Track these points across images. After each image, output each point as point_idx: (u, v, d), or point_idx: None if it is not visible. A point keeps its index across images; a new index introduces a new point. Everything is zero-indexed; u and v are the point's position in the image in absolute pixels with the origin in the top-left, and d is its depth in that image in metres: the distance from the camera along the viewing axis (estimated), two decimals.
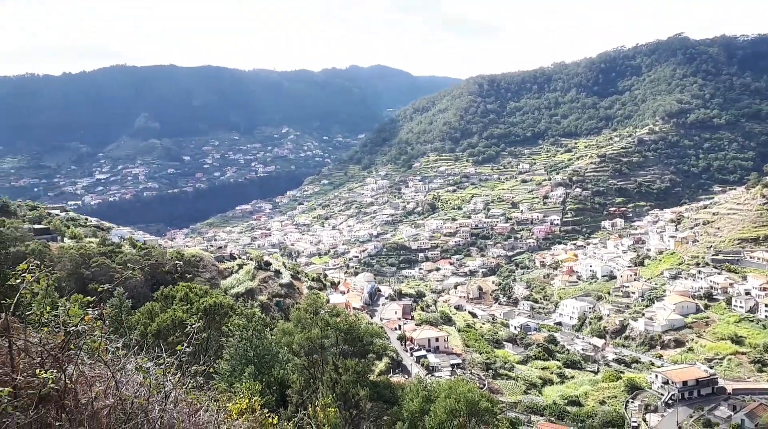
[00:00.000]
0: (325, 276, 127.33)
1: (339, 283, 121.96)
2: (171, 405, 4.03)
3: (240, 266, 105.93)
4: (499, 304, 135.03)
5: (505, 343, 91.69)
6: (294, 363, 19.45)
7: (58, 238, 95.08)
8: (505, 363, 77.79)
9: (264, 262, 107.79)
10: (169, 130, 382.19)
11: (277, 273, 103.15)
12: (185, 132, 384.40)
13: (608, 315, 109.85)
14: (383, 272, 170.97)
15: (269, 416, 7.32)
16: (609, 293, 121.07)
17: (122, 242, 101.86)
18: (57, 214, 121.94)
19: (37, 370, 3.16)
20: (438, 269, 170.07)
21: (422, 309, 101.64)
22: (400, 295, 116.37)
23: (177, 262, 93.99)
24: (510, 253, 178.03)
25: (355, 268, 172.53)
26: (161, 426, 3.76)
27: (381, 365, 58.18)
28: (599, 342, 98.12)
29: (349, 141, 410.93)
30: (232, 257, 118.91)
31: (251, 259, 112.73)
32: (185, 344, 5.03)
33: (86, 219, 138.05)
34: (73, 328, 3.45)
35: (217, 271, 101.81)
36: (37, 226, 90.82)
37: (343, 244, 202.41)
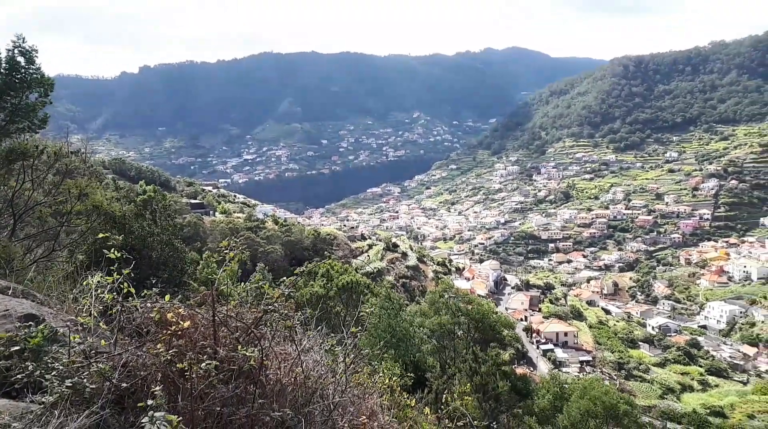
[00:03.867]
0: (450, 261, 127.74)
1: (464, 268, 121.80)
2: (343, 387, 4.08)
3: (370, 246, 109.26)
4: (636, 302, 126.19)
5: (640, 343, 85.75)
6: (427, 347, 19.58)
7: (211, 212, 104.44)
8: (640, 364, 72.75)
9: (392, 243, 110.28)
10: (310, 115, 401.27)
11: (404, 255, 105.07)
12: (324, 116, 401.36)
13: (763, 321, 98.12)
14: (510, 261, 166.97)
15: (408, 398, 7.30)
16: (765, 297, 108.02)
17: (266, 219, 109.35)
18: (210, 191, 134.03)
19: (239, 347, 3.32)
20: (569, 261, 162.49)
21: (551, 301, 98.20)
22: (527, 286, 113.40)
23: (314, 239, 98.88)
24: (651, 248, 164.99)
25: (481, 255, 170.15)
26: (335, 407, 3.82)
27: (506, 355, 57.23)
28: (751, 350, 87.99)
29: (479, 125, 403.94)
30: (362, 237, 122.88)
31: (380, 240, 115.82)
32: (346, 325, 5.09)
33: (234, 196, 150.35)
34: (267, 305, 3.59)
35: (348, 250, 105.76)
36: (193, 201, 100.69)
37: (468, 230, 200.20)
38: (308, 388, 3.59)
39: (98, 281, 4.38)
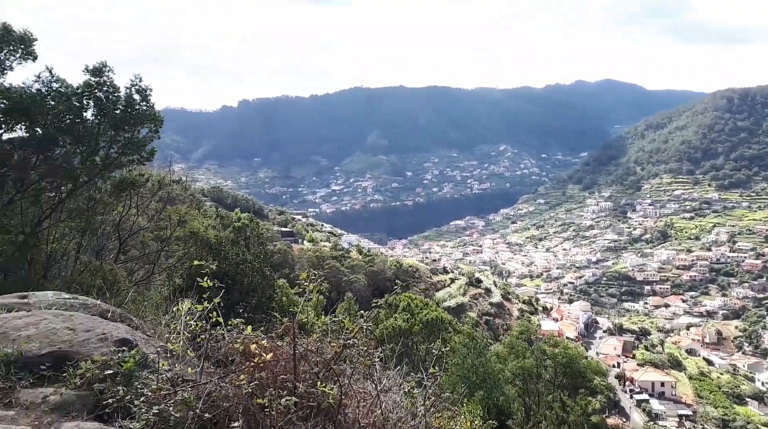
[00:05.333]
0: (537, 300, 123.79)
1: (552, 309, 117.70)
2: None
3: (452, 280, 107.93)
4: (742, 353, 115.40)
5: (748, 399, 78.10)
6: (510, 391, 18.83)
7: (299, 240, 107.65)
8: (748, 423, 66.00)
9: (475, 278, 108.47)
10: (396, 147, 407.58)
11: (488, 291, 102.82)
12: (409, 149, 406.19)
13: None
14: (601, 303, 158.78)
15: None
16: None
17: (351, 248, 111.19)
18: (299, 219, 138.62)
19: (318, 383, 3.30)
20: (667, 306, 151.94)
21: (646, 348, 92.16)
22: (620, 330, 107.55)
23: (396, 270, 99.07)
24: (760, 295, 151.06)
25: (570, 295, 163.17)
26: None
27: (596, 404, 53.95)
28: None
29: (569, 159, 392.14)
30: (445, 271, 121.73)
31: (463, 274, 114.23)
32: (424, 364, 4.98)
33: (322, 225, 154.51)
34: (346, 339, 3.56)
35: (430, 283, 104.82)
36: (283, 229, 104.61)
37: (557, 268, 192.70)
38: None
39: (188, 308, 4.53)
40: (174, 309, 4.84)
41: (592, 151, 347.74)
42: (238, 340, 3.52)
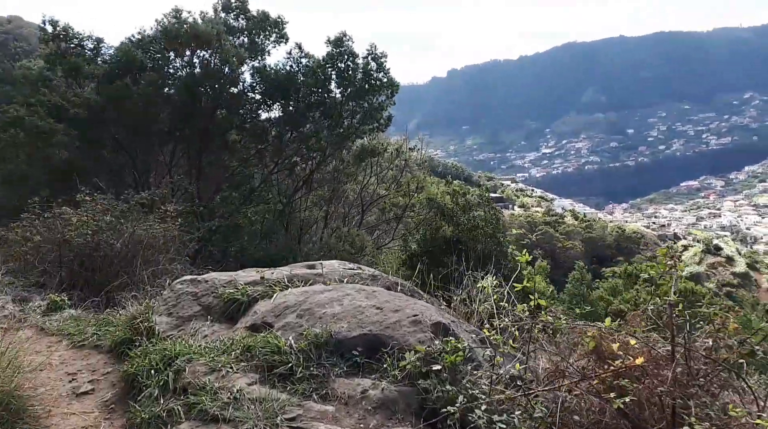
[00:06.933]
0: None
1: None
2: None
3: (685, 247, 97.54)
4: None
5: None
6: None
7: (510, 205, 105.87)
8: None
9: (714, 245, 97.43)
10: (615, 104, 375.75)
11: (730, 259, 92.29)
12: (631, 105, 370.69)
13: None
14: None
15: None
16: None
17: (564, 213, 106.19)
18: (508, 185, 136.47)
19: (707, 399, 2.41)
20: None
21: None
22: None
23: (618, 237, 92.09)
24: None
25: None
26: None
27: None
28: None
29: None
30: (676, 237, 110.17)
31: (698, 241, 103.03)
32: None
33: (532, 190, 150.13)
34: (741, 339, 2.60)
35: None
36: (493, 195, 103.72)
37: None
38: None
39: (486, 286, 3.93)
40: (476, 284, 4.31)
41: None
42: (589, 333, 2.77)
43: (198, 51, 14.70)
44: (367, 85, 12.86)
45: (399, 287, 4.42)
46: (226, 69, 14.37)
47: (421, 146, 16.18)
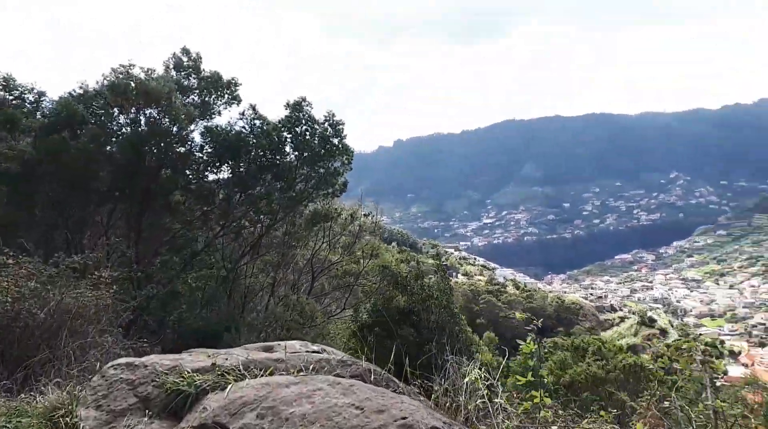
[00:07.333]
0: (722, 342, 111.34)
1: (740, 352, 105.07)
2: None
3: (621, 319, 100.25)
4: None
5: None
6: None
7: (453, 273, 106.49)
8: None
9: (648, 317, 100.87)
10: (551, 178, 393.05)
11: (663, 332, 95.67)
12: (566, 180, 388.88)
13: None
14: None
15: None
16: None
17: (506, 283, 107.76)
18: (452, 253, 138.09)
19: None
20: None
21: None
22: None
23: (558, 307, 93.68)
24: None
25: (761, 337, 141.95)
26: None
27: None
28: None
29: (754, 186, 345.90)
30: (612, 309, 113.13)
31: (633, 313, 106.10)
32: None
33: (475, 258, 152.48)
34: None
35: (596, 322, 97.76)
36: (432, 262, 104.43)
37: (744, 307, 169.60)
38: None
39: (476, 378, 3.46)
40: (462, 370, 3.80)
41: None
42: None
43: (145, 109, 14.14)
44: (323, 151, 12.63)
45: (372, 376, 3.82)
46: (175, 128, 13.84)
47: (375, 213, 15.89)
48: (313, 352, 4.21)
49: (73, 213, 13.86)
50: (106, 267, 9.00)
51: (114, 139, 14.41)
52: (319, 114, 13.78)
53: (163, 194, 14.03)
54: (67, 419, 3.55)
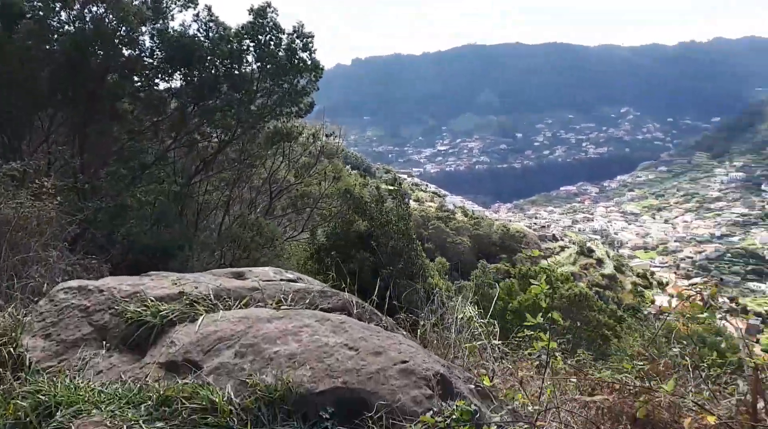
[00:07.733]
0: (652, 273, 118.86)
1: (667, 284, 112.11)
2: None
3: (562, 248, 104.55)
4: None
5: None
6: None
7: (406, 199, 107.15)
8: None
9: (587, 248, 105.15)
10: (507, 107, 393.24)
11: (600, 262, 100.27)
12: (522, 109, 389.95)
13: None
14: (723, 281, 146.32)
15: None
16: None
17: (455, 210, 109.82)
18: (405, 179, 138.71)
19: None
20: None
21: None
22: (744, 311, 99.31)
23: (503, 235, 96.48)
24: None
25: (688, 270, 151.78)
26: None
27: None
28: None
29: (698, 125, 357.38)
30: (554, 238, 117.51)
31: (573, 243, 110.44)
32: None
33: (426, 185, 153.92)
34: None
35: (539, 250, 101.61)
36: (390, 187, 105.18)
37: (675, 241, 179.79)
38: None
39: (470, 315, 3.23)
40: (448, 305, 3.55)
41: (728, 116, 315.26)
42: (640, 399, 2.12)
43: (91, 5, 12.71)
44: (289, 64, 11.73)
45: (356, 308, 3.54)
46: (123, 28, 12.56)
47: (339, 133, 15.28)
48: (290, 280, 3.88)
49: (12, 116, 12.65)
50: (49, 175, 8.26)
51: (55, 37, 13.01)
52: (285, 26, 12.82)
53: (109, 100, 12.93)
54: (11, 348, 3.14)
